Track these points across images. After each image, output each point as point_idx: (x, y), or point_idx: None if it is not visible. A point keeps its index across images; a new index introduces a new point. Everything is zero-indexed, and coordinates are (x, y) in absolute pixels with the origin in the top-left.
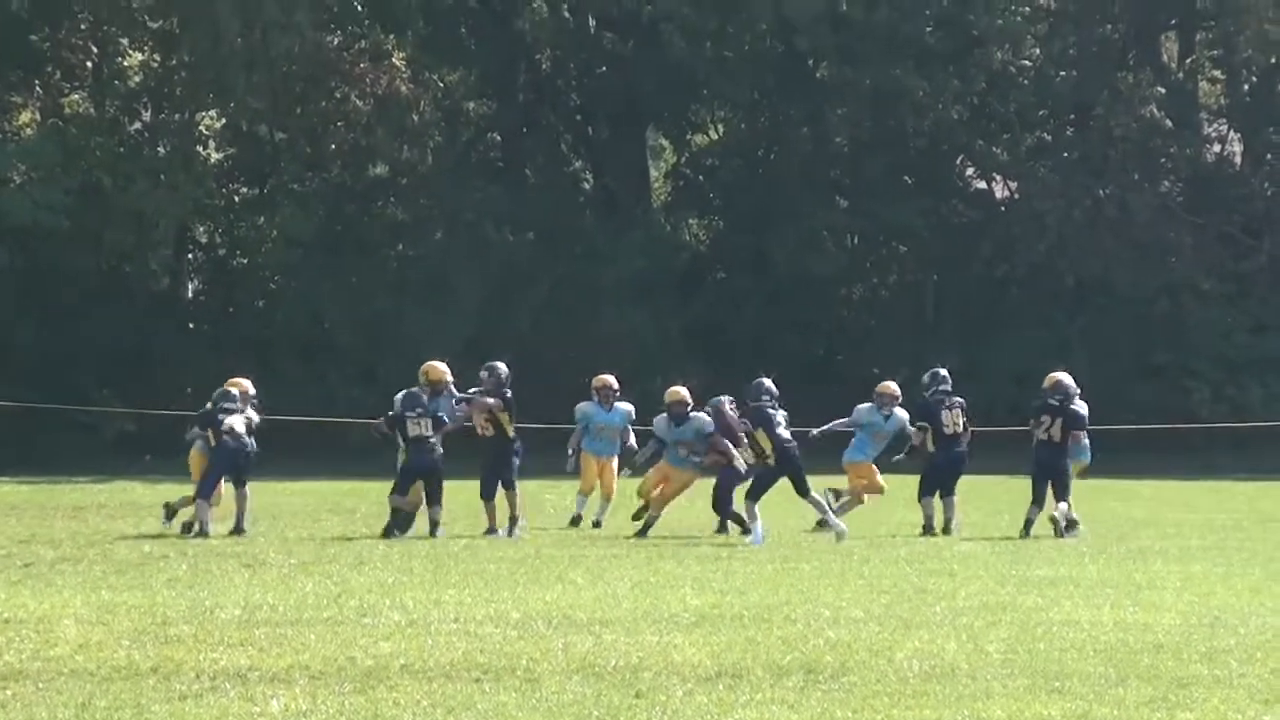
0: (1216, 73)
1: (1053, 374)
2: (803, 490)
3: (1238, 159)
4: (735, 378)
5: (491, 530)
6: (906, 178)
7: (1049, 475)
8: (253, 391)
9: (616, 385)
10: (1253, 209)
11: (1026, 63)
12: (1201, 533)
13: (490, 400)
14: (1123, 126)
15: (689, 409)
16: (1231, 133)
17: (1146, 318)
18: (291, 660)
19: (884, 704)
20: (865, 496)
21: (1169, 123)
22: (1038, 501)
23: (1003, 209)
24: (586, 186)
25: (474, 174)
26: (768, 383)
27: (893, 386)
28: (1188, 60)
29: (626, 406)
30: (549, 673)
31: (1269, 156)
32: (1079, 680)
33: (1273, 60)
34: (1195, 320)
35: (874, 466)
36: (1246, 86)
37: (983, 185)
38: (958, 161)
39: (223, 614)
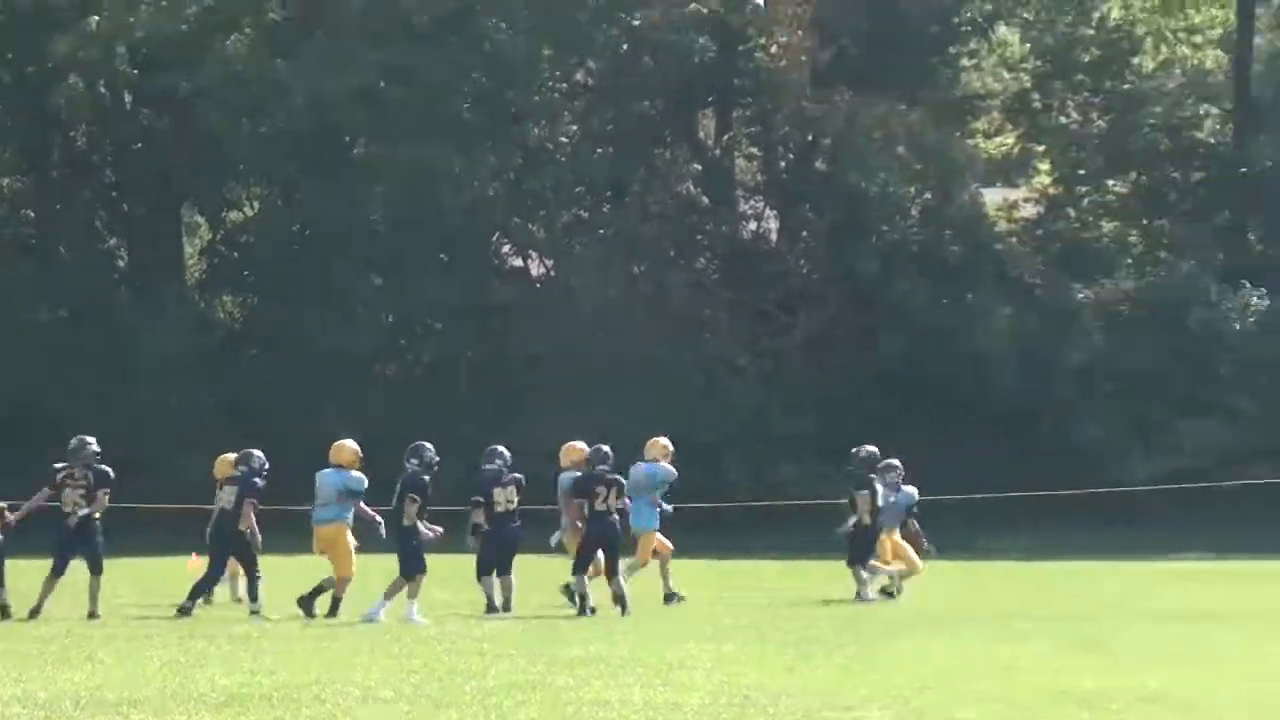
0: (754, 149)
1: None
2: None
3: (774, 236)
4: (274, 454)
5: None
6: (442, 255)
7: (598, 545)
8: None
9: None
10: (789, 286)
11: (564, 139)
12: (735, 612)
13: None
14: (659, 203)
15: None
16: (768, 209)
17: (683, 395)
18: None
19: None
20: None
21: (705, 199)
22: (580, 569)
23: (538, 286)
24: (121, 264)
25: (6, 250)
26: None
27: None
28: (725, 137)
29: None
30: None
31: (804, 233)
32: None
33: (809, 138)
34: (732, 397)
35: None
36: (783, 164)
37: (519, 262)
38: (494, 239)
39: None
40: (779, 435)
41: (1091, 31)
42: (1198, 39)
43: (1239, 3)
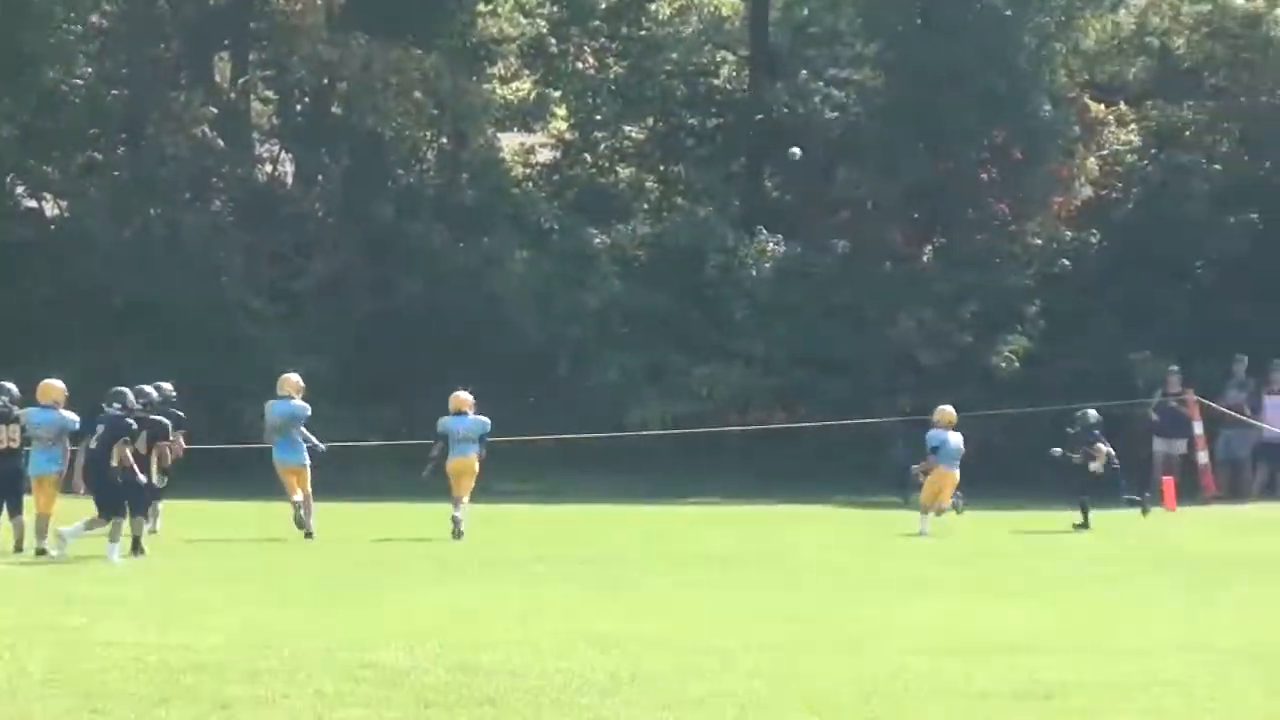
0: (269, 92)
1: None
2: None
3: (289, 179)
4: None
5: None
6: None
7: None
8: None
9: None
10: (304, 229)
11: (79, 81)
12: (251, 554)
13: None
14: (175, 145)
15: None
16: (283, 153)
17: (196, 338)
18: None
19: None
20: None
21: (221, 142)
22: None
23: (54, 228)
24: None
25: None
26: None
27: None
28: (240, 80)
29: None
30: None
31: (320, 177)
32: (121, 700)
33: (325, 80)
34: (247, 339)
35: None
36: (299, 107)
37: (34, 204)
38: (8, 180)
39: None
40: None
41: None
42: None
43: None
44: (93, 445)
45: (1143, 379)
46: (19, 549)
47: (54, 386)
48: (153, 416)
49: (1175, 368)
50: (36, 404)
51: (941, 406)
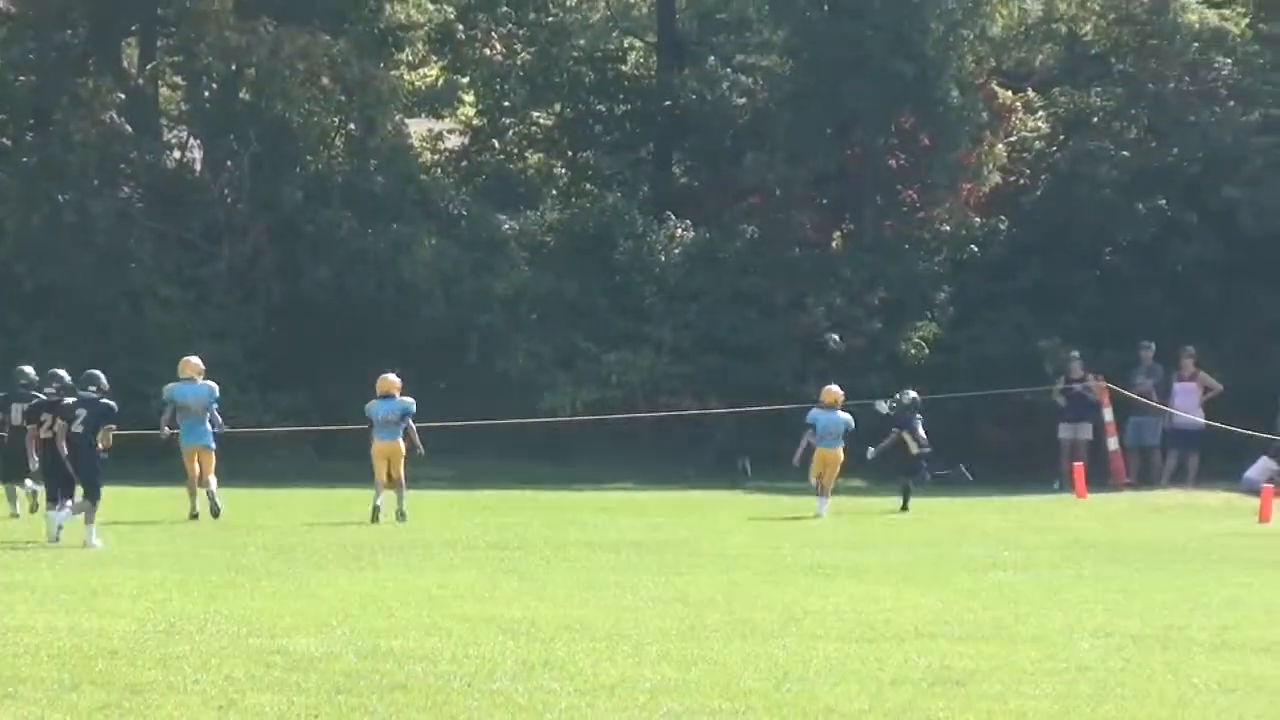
0: (178, 79)
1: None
2: None
3: (198, 165)
4: None
5: None
6: None
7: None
8: None
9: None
10: (213, 215)
11: None
12: (159, 538)
13: None
14: (83, 132)
15: None
16: (192, 139)
17: (106, 324)
18: None
19: None
20: None
21: (129, 128)
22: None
23: None
24: None
25: None
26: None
27: None
28: (149, 66)
29: None
30: None
31: (229, 163)
32: (32, 685)
33: (233, 67)
34: (154, 326)
35: None
36: (207, 93)
37: None
38: None
39: None
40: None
41: None
42: None
43: None
44: (77, 429)
45: (1051, 365)
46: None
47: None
48: (104, 401)
49: (1076, 353)
50: None
51: (828, 386)
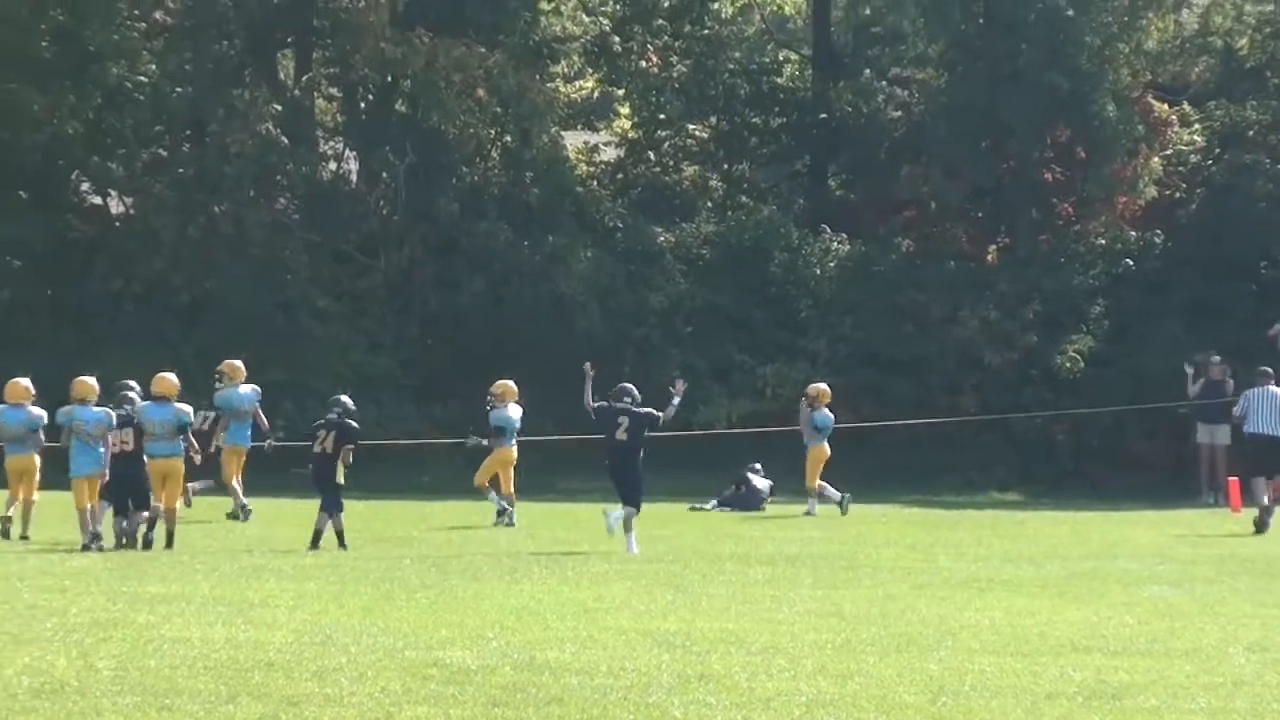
0: (334, 90)
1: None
2: None
3: (354, 177)
4: None
5: None
6: (21, 193)
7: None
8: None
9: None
10: (368, 227)
11: (143, 79)
12: (317, 550)
13: None
14: (238, 143)
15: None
16: (348, 150)
17: (263, 335)
18: None
19: None
20: None
21: (285, 140)
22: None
23: (118, 225)
24: None
25: None
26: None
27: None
28: (304, 77)
29: None
30: None
31: (384, 175)
32: (189, 697)
33: (388, 78)
34: (313, 337)
35: None
36: (363, 105)
37: (99, 200)
38: (74, 176)
39: None
40: (360, 376)
41: None
42: None
43: None
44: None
45: (1190, 366)
46: (146, 545)
47: (169, 381)
48: (348, 422)
49: (1217, 356)
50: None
51: (821, 386)
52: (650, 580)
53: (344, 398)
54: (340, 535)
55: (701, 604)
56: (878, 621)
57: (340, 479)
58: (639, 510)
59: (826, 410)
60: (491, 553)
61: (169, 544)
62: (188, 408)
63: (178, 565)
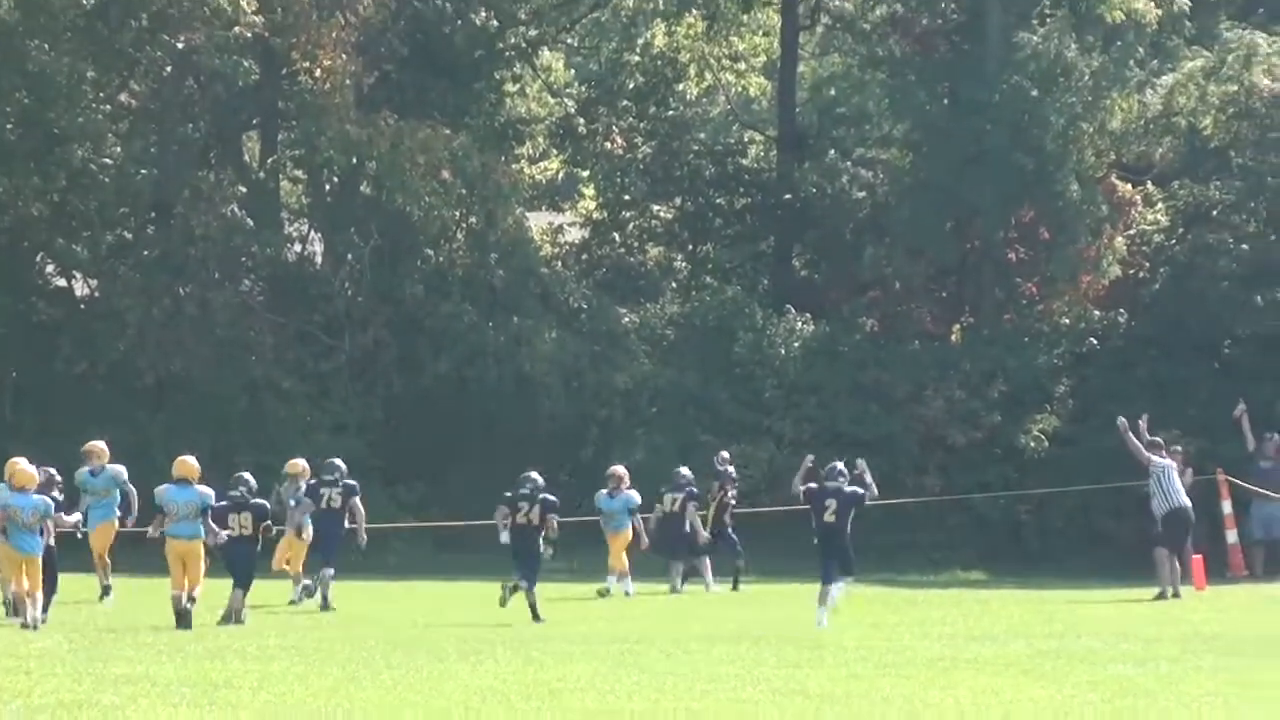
0: (299, 172)
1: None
2: None
3: (319, 258)
4: None
5: None
6: None
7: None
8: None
9: None
10: (333, 308)
11: (108, 161)
12: (282, 631)
13: None
14: (204, 225)
15: None
16: (313, 232)
17: (229, 416)
18: None
19: None
20: None
21: (250, 221)
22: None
23: (83, 307)
24: None
25: None
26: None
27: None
28: (269, 160)
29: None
30: None
31: (350, 256)
32: None
33: (354, 160)
34: (277, 419)
35: None
36: (328, 186)
37: (63, 283)
38: (38, 259)
39: None
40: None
41: (636, 58)
42: (741, 66)
43: (783, 31)
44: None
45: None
46: (239, 619)
47: (190, 464)
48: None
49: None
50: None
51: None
52: (615, 661)
53: (534, 474)
54: (534, 608)
55: (667, 684)
56: (842, 701)
57: (544, 551)
58: (853, 577)
59: (629, 492)
60: (457, 634)
61: (186, 624)
62: (209, 490)
63: (142, 646)
